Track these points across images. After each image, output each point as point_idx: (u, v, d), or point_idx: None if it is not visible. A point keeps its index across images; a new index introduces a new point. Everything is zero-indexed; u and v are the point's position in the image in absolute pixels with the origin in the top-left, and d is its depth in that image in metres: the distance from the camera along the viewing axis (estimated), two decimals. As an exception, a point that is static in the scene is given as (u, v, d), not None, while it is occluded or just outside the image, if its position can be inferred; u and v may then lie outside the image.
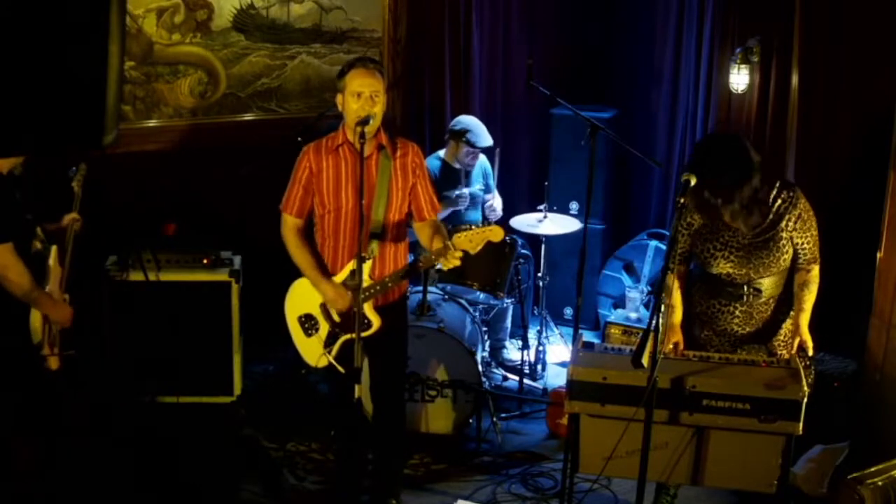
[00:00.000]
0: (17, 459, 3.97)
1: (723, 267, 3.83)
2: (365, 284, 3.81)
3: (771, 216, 3.75)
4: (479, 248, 3.68)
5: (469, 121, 5.49)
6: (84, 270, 4.26)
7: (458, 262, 3.71)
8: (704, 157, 3.65)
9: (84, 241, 4.24)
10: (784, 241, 3.78)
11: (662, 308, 3.40)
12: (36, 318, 3.88)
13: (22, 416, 3.94)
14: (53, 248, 4.06)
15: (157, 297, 4.87)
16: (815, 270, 3.84)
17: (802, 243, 3.80)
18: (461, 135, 5.40)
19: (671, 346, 3.88)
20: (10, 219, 3.79)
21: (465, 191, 5.43)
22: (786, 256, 3.81)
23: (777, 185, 3.78)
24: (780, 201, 3.76)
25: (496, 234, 3.69)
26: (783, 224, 3.76)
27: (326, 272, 3.92)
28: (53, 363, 3.95)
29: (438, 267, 4.01)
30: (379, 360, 4.10)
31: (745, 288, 3.84)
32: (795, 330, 3.81)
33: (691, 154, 3.88)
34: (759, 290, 3.84)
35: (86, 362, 4.37)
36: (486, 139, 5.43)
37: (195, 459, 4.66)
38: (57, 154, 3.97)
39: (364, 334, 3.82)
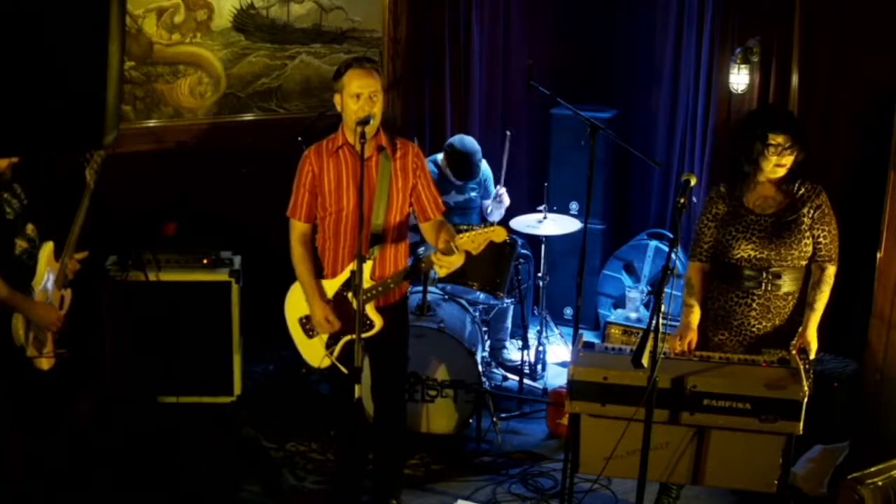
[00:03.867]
0: (10, 460, 3.97)
1: (744, 250, 3.86)
2: (366, 285, 3.81)
3: (794, 202, 3.87)
4: (482, 248, 3.68)
5: (462, 148, 5.43)
6: (84, 270, 4.25)
7: (449, 269, 3.71)
8: (783, 113, 4.15)
9: (88, 240, 4.21)
10: (805, 228, 3.85)
11: (664, 306, 3.43)
12: (18, 320, 3.83)
13: (12, 417, 3.93)
14: (48, 245, 3.99)
15: (157, 297, 4.87)
16: (830, 270, 3.88)
17: (820, 237, 3.86)
18: (448, 157, 5.43)
19: (685, 345, 3.90)
20: None
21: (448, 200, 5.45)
22: (806, 244, 3.86)
23: (800, 179, 3.91)
24: (803, 190, 3.89)
25: (499, 234, 3.69)
26: (805, 210, 3.86)
27: (323, 291, 3.92)
28: (44, 364, 3.91)
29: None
30: (380, 360, 4.10)
31: (764, 275, 3.86)
32: (803, 330, 3.82)
33: (763, 112, 4.30)
34: (779, 277, 3.86)
35: (85, 362, 4.37)
36: (464, 175, 5.43)
37: (195, 459, 4.66)
38: (59, 153, 3.96)
39: (366, 335, 3.83)
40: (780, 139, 3.79)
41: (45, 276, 3.97)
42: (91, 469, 4.28)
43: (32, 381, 3.91)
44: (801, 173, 3.90)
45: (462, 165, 5.40)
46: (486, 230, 3.68)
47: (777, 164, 3.82)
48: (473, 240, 3.66)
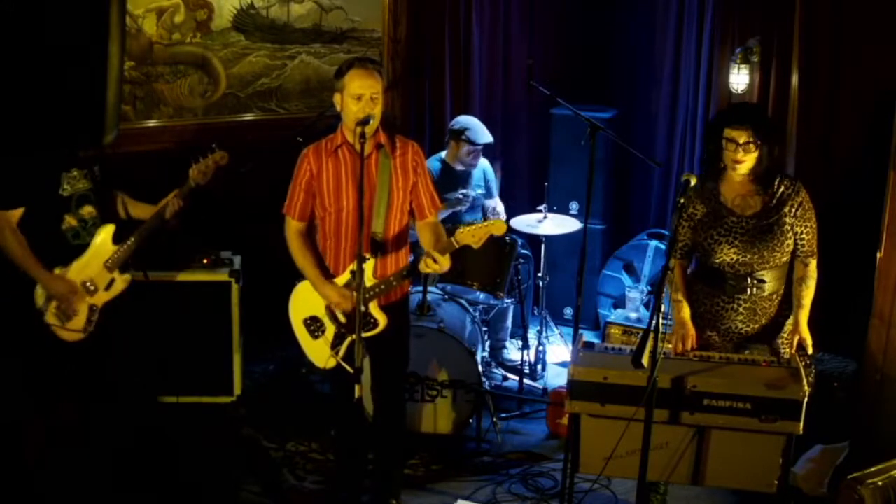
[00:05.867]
0: (29, 429, 4.12)
1: (726, 254, 3.84)
2: (369, 284, 3.81)
3: (774, 202, 3.82)
4: (482, 242, 3.68)
5: (467, 119, 5.50)
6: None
7: (447, 265, 3.72)
8: (746, 107, 3.90)
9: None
10: (787, 228, 3.82)
11: (664, 306, 3.43)
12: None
13: (28, 381, 4.11)
14: (109, 228, 4.17)
15: (157, 297, 4.87)
16: (813, 265, 3.87)
17: (802, 233, 3.84)
18: (460, 133, 5.41)
19: (689, 342, 3.89)
20: (17, 189, 3.95)
21: (469, 191, 5.44)
22: (788, 243, 3.84)
23: (779, 176, 3.86)
24: (782, 188, 3.84)
25: (498, 227, 3.69)
26: (786, 210, 3.81)
27: (329, 275, 3.92)
28: (65, 335, 4.10)
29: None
30: (381, 359, 4.10)
31: (749, 280, 3.85)
32: (795, 327, 3.82)
33: (725, 109, 4.05)
34: (763, 281, 3.84)
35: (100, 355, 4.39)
36: (485, 136, 5.43)
37: (195, 459, 4.66)
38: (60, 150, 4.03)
39: (371, 333, 3.84)
40: (735, 134, 3.72)
41: (92, 257, 4.13)
42: (91, 469, 4.27)
43: (43, 347, 4.09)
44: (777, 170, 3.86)
45: (478, 127, 5.43)
46: (486, 224, 3.68)
47: (734, 160, 3.75)
48: (474, 234, 3.66)
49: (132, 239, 4.21)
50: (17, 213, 3.98)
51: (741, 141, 3.72)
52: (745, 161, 3.76)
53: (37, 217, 4.01)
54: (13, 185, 3.96)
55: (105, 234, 4.18)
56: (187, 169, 4.30)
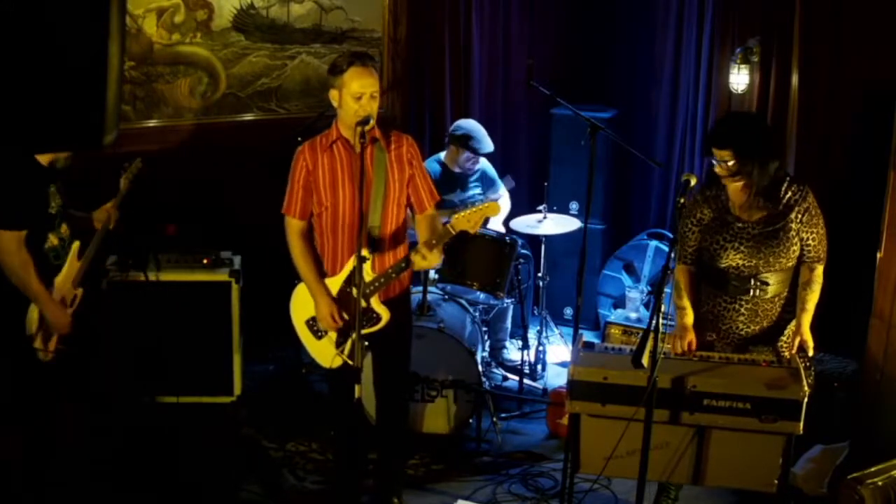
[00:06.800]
0: (10, 441, 4.02)
1: (732, 259, 3.84)
2: (368, 279, 3.81)
3: (781, 207, 3.81)
4: (479, 226, 3.67)
5: (471, 126, 5.48)
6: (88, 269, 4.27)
7: (438, 260, 3.72)
8: (732, 126, 3.79)
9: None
10: (793, 234, 3.81)
11: (664, 306, 3.43)
12: (34, 310, 3.93)
13: (9, 404, 3.99)
14: (76, 244, 4.10)
15: (157, 297, 4.87)
16: (819, 270, 3.86)
17: (808, 239, 3.82)
18: (463, 140, 5.40)
19: (685, 346, 3.89)
20: (26, 208, 3.83)
21: (466, 198, 5.46)
22: (794, 249, 3.83)
23: (787, 179, 3.85)
24: (790, 193, 3.81)
25: (493, 209, 3.67)
26: (793, 215, 3.80)
27: (326, 286, 3.91)
28: (43, 356, 3.99)
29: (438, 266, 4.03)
30: (383, 356, 4.10)
31: (752, 281, 3.84)
32: (797, 330, 3.82)
33: (714, 125, 3.96)
34: (766, 283, 3.84)
35: (84, 361, 4.38)
36: (488, 145, 5.43)
37: (195, 459, 4.66)
38: (65, 150, 4.00)
39: (374, 328, 3.84)
40: (721, 155, 3.71)
41: (66, 274, 4.04)
42: (91, 468, 4.28)
43: (30, 372, 3.99)
44: (781, 178, 3.84)
45: (480, 137, 5.41)
46: (480, 207, 3.65)
47: (723, 177, 3.75)
48: (469, 218, 3.64)
49: (87, 254, 4.12)
50: (23, 233, 3.79)
51: (727, 161, 3.71)
52: (735, 178, 3.74)
53: (34, 239, 3.87)
54: (20, 203, 3.80)
55: (74, 251, 4.09)
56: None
